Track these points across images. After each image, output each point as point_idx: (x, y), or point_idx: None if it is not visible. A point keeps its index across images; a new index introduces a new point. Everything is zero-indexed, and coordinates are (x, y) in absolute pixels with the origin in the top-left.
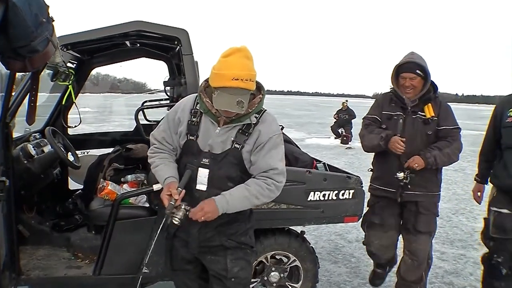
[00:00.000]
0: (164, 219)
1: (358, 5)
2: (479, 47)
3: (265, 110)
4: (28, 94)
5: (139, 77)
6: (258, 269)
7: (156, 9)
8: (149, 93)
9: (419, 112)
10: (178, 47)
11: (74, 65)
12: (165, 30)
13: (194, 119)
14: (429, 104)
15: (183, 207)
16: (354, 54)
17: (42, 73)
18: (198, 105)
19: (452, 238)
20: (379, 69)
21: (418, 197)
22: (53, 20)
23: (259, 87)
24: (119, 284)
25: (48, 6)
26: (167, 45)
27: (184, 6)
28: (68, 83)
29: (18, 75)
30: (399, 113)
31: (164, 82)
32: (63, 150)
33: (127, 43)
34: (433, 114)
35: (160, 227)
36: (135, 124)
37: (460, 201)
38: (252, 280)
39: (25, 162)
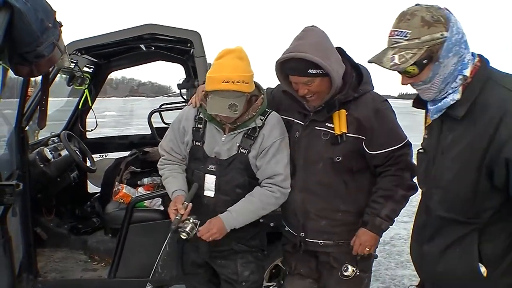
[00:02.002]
0: (170, 233)
1: None
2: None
3: (271, 111)
4: (39, 96)
5: (164, 81)
6: (274, 273)
7: (171, 11)
8: (167, 96)
9: (326, 123)
10: (192, 49)
11: (91, 69)
12: (177, 32)
13: (199, 126)
14: (342, 110)
15: (191, 220)
16: (375, 51)
17: (58, 78)
18: (202, 113)
19: None
20: None
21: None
22: (61, 25)
23: (258, 87)
24: (133, 287)
25: (55, 11)
26: (182, 47)
27: (199, 8)
28: (84, 88)
29: (32, 80)
30: (296, 121)
31: (178, 84)
32: (78, 153)
33: (142, 46)
34: (344, 129)
35: (166, 242)
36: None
37: None
38: (268, 284)
39: (42, 166)
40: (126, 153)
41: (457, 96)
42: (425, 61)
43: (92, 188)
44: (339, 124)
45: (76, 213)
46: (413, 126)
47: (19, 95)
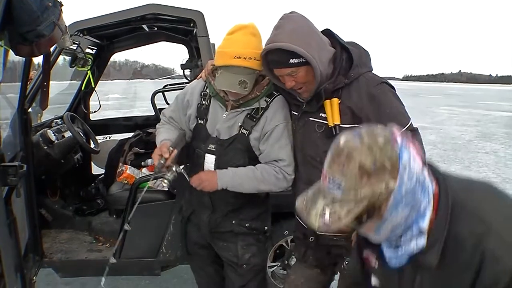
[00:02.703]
0: (153, 174)
1: None
2: None
3: (278, 94)
4: (41, 78)
5: (168, 63)
6: (278, 253)
7: None
8: (170, 78)
9: (320, 113)
10: (194, 29)
11: (94, 50)
12: (180, 12)
13: (203, 102)
14: (334, 98)
15: (174, 168)
16: (382, 32)
17: (61, 60)
18: (208, 88)
19: None
20: (410, 49)
21: None
22: (62, 5)
23: None
24: (138, 268)
25: None
26: (185, 28)
27: None
28: (86, 69)
29: (35, 64)
30: (292, 112)
31: (181, 65)
32: (82, 135)
33: (145, 27)
34: (338, 121)
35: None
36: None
37: None
38: (273, 264)
39: (45, 147)
40: (130, 135)
41: (421, 242)
42: (364, 219)
43: (96, 169)
44: (332, 114)
45: (80, 194)
46: (417, 107)
47: (21, 77)
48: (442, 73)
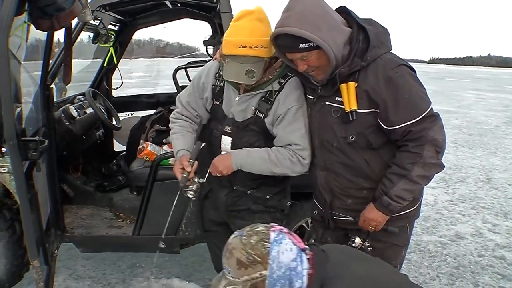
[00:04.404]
0: (178, 193)
1: None
2: None
3: (292, 76)
4: (63, 53)
5: (192, 41)
6: (298, 234)
7: None
8: (194, 56)
9: (336, 97)
10: (218, 5)
11: (116, 27)
12: None
13: (218, 84)
14: (351, 82)
15: (196, 179)
16: (408, 13)
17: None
18: (222, 70)
19: (506, 210)
20: (437, 31)
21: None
22: None
23: None
24: (157, 245)
25: None
26: (208, 4)
27: None
28: (109, 45)
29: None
30: (308, 96)
31: (204, 41)
32: (103, 111)
33: (167, 3)
34: (354, 106)
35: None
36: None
37: None
38: None
39: (67, 123)
40: (152, 112)
41: None
42: None
43: (118, 146)
44: (348, 99)
45: (102, 171)
46: (443, 91)
47: (43, 53)
48: (470, 56)
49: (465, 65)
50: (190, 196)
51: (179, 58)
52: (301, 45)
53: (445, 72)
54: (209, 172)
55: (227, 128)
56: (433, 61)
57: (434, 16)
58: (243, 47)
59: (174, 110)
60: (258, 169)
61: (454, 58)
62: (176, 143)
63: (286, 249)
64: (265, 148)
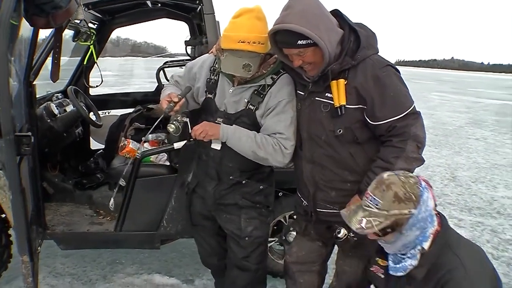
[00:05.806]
0: (162, 115)
1: None
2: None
3: (284, 72)
4: (52, 51)
5: (160, 41)
6: (276, 229)
7: None
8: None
9: (326, 93)
10: (200, 6)
11: (96, 25)
12: None
13: (213, 77)
14: (341, 79)
15: (179, 118)
16: (374, 16)
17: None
18: (217, 63)
19: (470, 206)
20: (402, 34)
21: None
22: None
23: None
24: (139, 241)
25: None
26: (188, 5)
27: None
28: (89, 43)
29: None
30: (298, 91)
31: (185, 41)
32: (85, 109)
33: (148, 3)
34: (343, 101)
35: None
36: (156, 86)
37: (480, 170)
38: (270, 239)
39: (48, 120)
40: (130, 110)
41: (414, 262)
42: (388, 230)
43: (95, 144)
44: (338, 95)
45: (79, 169)
46: (410, 93)
47: (27, 50)
48: (435, 59)
49: (430, 67)
50: (171, 130)
51: (147, 58)
52: (299, 42)
53: (411, 74)
54: (195, 133)
55: (219, 120)
56: (399, 63)
57: (399, 19)
58: (241, 42)
59: (152, 108)
60: (243, 146)
61: (419, 60)
62: (166, 91)
63: (430, 198)
64: (252, 131)
